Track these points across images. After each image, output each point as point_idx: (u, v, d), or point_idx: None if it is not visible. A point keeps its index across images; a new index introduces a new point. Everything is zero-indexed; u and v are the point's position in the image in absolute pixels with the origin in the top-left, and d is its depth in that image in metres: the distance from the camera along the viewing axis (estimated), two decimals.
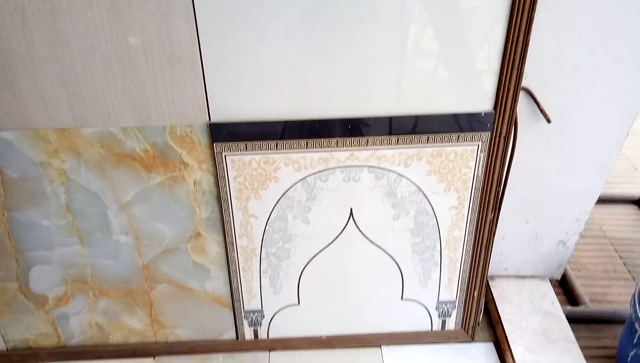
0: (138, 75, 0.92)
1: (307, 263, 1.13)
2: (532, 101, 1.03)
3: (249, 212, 1.06)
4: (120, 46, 0.89)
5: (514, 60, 0.92)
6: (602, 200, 1.68)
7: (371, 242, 1.11)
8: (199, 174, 1.02)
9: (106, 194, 1.03)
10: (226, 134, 0.96)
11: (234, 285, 1.15)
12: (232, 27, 0.88)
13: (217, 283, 1.15)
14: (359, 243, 1.10)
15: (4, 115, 0.94)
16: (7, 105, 0.93)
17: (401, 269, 1.15)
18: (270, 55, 0.90)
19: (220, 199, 1.04)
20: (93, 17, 0.86)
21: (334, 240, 1.10)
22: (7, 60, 0.89)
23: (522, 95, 1.04)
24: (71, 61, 0.90)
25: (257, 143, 0.98)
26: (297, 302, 1.19)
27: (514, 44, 0.90)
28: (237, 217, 1.06)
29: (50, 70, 0.91)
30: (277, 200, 1.05)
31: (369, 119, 0.96)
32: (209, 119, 0.96)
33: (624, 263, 1.45)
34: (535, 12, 0.86)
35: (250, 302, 1.18)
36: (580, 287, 1.32)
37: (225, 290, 1.16)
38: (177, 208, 1.05)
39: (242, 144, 0.98)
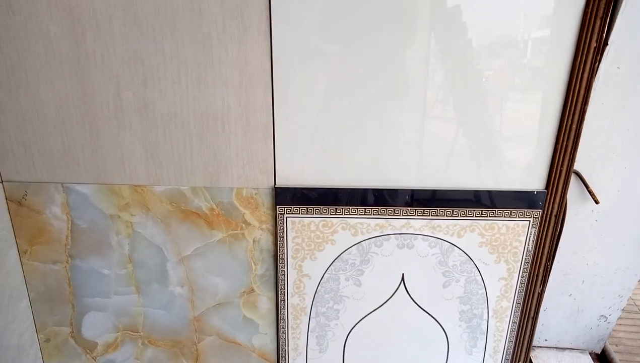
0: (214, 141, 0.98)
1: (355, 324, 1.14)
2: (581, 183, 1.07)
3: (303, 272, 1.09)
4: (202, 115, 0.96)
5: (566, 145, 0.97)
6: None
7: (420, 307, 1.12)
8: (259, 233, 1.06)
9: (168, 247, 1.07)
10: (289, 197, 1.01)
11: (281, 341, 1.16)
12: (305, 100, 0.95)
13: (264, 339, 1.16)
14: (408, 308, 1.12)
15: (83, 171, 1.00)
16: (87, 161, 1.00)
17: (448, 336, 1.15)
18: (338, 127, 0.96)
19: (277, 258, 1.07)
20: (180, 88, 0.94)
21: (383, 303, 1.12)
22: (95, 121, 0.96)
23: (572, 177, 1.09)
24: (154, 126, 0.97)
25: (317, 207, 1.02)
26: None
27: (567, 131, 0.96)
28: (292, 275, 1.09)
29: (133, 133, 0.97)
30: (331, 261, 1.08)
31: (426, 191, 1.00)
32: (275, 183, 1.02)
33: None
34: (588, 105, 0.93)
35: (295, 360, 1.18)
36: (620, 362, 1.31)
37: (272, 347, 1.17)
38: (234, 264, 1.09)
39: (303, 208, 1.02)
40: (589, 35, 0.90)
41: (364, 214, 1.03)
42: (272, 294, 1.11)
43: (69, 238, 1.06)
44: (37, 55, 0.91)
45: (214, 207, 1.03)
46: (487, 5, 0.87)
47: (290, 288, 1.10)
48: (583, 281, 1.22)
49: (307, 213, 1.03)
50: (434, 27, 0.87)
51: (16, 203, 1.03)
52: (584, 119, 0.95)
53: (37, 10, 0.88)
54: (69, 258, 1.08)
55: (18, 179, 1.01)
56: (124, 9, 0.88)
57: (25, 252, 1.07)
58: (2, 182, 1.01)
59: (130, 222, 1.05)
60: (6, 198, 1.02)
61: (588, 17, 0.88)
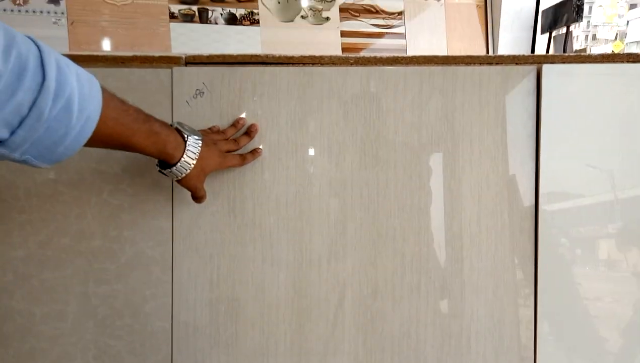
0: None
1: None
2: None
3: None
4: (442, 332, 0.73)
5: None
6: None
7: None
8: None
9: None
10: None
11: None
12: (573, 309, 0.75)
13: None
14: None
15: None
16: None
17: None
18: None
19: None
20: (419, 298, 0.75)
21: None
22: (305, 343, 0.73)
23: None
24: (379, 348, 0.73)
25: None
26: None
27: None
28: None
29: (350, 358, 0.73)
30: None
31: None
32: None
33: None
34: None
35: None
36: None
37: None
38: None
39: None
40: None
41: None
42: None
43: None
44: (251, 262, 0.74)
45: None
46: None
47: None
48: None
49: None
50: None
51: None
52: None
53: (261, 213, 0.74)
54: None
55: None
56: (364, 209, 0.75)
57: None
58: None
59: None
60: None
61: None
